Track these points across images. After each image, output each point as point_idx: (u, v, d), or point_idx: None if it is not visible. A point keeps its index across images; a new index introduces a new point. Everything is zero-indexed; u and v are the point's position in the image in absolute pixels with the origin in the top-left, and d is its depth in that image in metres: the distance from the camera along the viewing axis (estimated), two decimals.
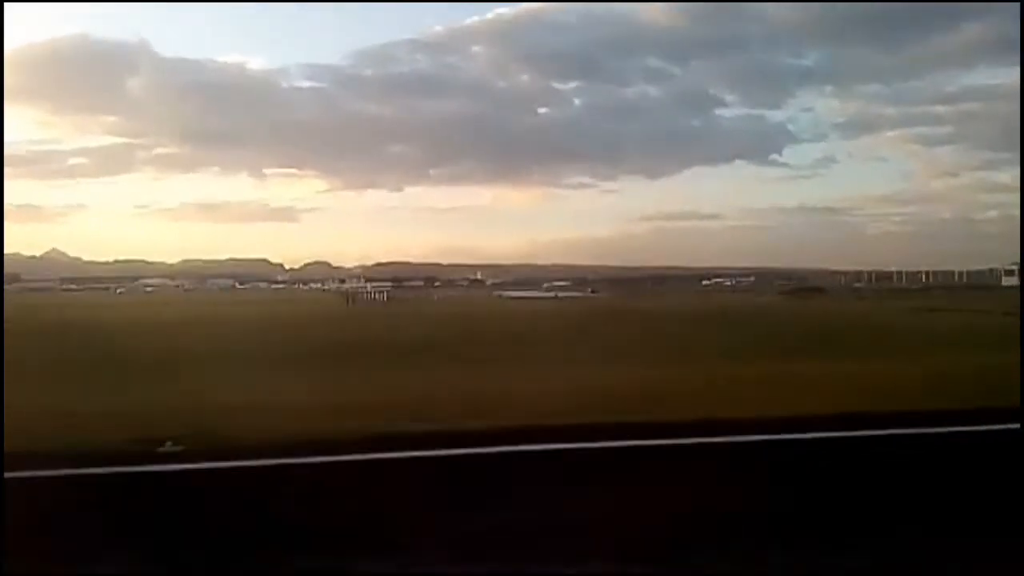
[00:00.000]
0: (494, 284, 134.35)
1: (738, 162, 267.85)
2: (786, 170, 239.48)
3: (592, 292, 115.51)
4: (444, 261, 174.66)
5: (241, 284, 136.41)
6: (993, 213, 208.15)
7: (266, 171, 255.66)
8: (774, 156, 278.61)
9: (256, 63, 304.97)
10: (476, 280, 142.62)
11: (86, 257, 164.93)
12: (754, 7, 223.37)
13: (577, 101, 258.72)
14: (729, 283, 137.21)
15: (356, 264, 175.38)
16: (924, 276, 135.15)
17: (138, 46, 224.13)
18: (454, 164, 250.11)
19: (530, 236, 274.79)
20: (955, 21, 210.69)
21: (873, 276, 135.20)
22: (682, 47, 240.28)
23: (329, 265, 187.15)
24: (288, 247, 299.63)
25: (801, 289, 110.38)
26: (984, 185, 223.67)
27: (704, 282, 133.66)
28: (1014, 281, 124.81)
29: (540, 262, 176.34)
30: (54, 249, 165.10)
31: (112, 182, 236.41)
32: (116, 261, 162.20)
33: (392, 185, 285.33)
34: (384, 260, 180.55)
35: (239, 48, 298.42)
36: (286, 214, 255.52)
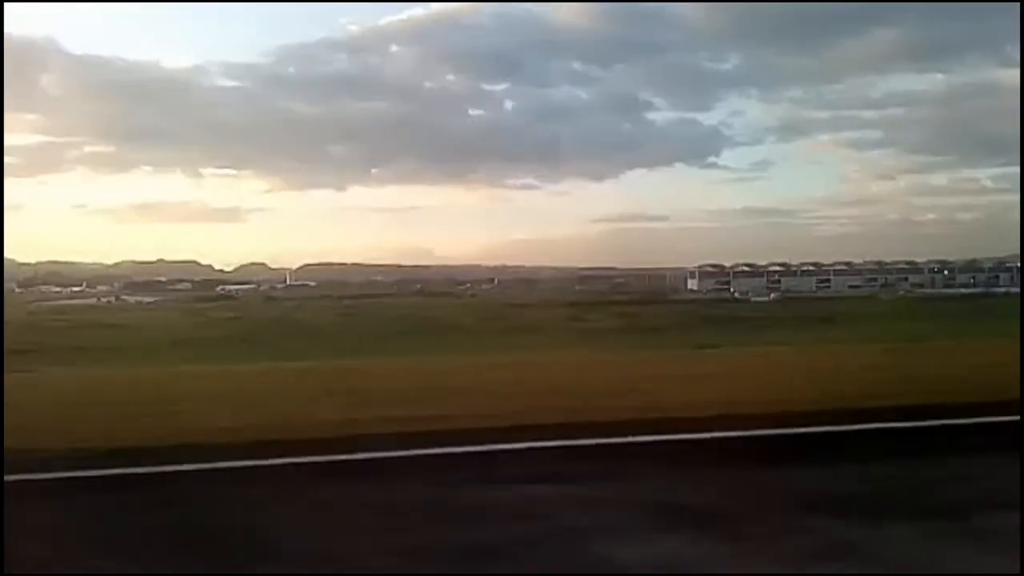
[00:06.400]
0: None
1: (678, 165, 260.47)
2: (726, 172, 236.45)
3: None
4: (381, 262, 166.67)
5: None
6: (931, 215, 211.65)
7: (202, 171, 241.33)
8: (712, 159, 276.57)
9: (170, 61, 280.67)
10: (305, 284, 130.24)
11: (20, 259, 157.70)
12: (668, 10, 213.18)
13: (508, 103, 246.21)
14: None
15: (299, 265, 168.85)
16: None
17: (44, 42, 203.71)
18: (395, 164, 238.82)
19: (482, 236, 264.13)
20: (866, 26, 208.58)
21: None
22: (602, 50, 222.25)
23: (267, 266, 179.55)
24: (229, 248, 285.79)
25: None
26: (920, 188, 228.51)
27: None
28: (695, 284, 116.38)
29: (489, 263, 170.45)
30: None
31: (45, 181, 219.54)
32: (40, 263, 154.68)
33: (335, 185, 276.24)
34: (316, 261, 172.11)
35: (148, 46, 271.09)
36: (229, 214, 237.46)
